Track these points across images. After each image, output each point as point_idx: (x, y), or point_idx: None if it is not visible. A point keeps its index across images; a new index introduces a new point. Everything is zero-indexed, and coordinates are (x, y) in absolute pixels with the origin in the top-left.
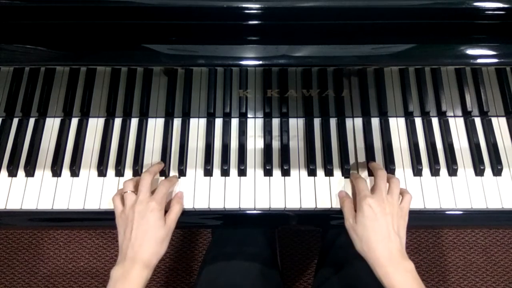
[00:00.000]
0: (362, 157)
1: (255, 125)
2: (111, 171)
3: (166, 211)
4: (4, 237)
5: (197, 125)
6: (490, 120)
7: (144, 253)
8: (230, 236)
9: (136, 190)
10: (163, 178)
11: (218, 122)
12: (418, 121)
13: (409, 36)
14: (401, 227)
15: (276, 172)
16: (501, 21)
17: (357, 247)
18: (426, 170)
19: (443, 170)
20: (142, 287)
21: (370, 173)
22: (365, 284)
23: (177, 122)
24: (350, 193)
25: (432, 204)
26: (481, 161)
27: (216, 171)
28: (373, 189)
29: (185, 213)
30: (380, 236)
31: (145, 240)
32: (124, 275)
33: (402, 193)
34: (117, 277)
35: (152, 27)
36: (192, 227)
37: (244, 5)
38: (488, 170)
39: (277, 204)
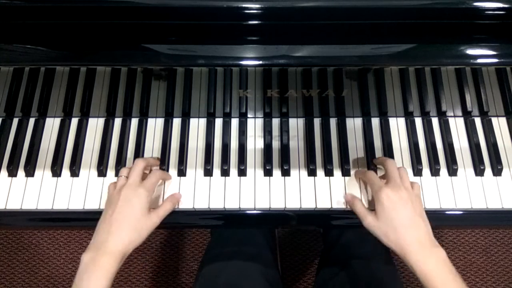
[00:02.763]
0: (362, 157)
1: (255, 125)
2: (111, 171)
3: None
4: (4, 237)
5: (197, 125)
6: (490, 120)
7: (118, 239)
8: (229, 236)
9: None
10: None
11: (218, 122)
12: (418, 121)
13: (409, 36)
14: (422, 210)
15: (276, 172)
16: (501, 21)
17: (384, 241)
18: (426, 170)
19: (443, 170)
20: (112, 275)
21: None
22: (367, 285)
23: (177, 122)
24: (350, 193)
25: (432, 204)
26: (481, 161)
27: (216, 171)
28: (385, 179)
29: (185, 213)
30: (405, 223)
31: (123, 224)
32: (94, 261)
33: (411, 183)
34: (87, 262)
35: (152, 27)
36: (192, 227)
37: (244, 5)
38: (488, 170)
39: (277, 204)
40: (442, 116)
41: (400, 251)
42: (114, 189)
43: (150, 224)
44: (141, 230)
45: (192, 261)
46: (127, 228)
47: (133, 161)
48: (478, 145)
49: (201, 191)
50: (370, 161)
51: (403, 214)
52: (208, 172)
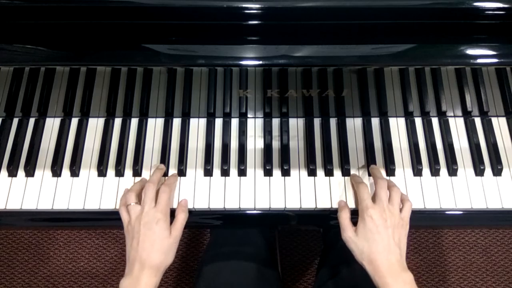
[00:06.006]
0: (362, 157)
1: (255, 125)
2: (111, 171)
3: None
4: (4, 237)
5: (197, 125)
6: (490, 120)
7: (152, 261)
8: (228, 236)
9: (138, 199)
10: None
11: (218, 122)
12: (418, 121)
13: (409, 36)
14: (402, 237)
15: (276, 172)
16: (501, 21)
17: (357, 257)
18: (426, 170)
19: (443, 170)
20: None
21: (370, 174)
22: (367, 285)
23: (177, 122)
24: (350, 194)
25: (432, 204)
26: (481, 161)
27: (216, 171)
28: (374, 198)
29: None
30: (380, 248)
31: (152, 251)
32: (134, 283)
33: (403, 200)
34: (126, 287)
35: (152, 27)
36: (192, 227)
37: (244, 5)
38: (488, 170)
39: (277, 204)
40: (442, 116)
41: (370, 271)
42: (127, 215)
43: (173, 241)
44: (168, 250)
45: (192, 261)
46: (155, 253)
47: (133, 161)
48: (478, 145)
49: (201, 191)
50: (369, 162)
51: (381, 239)
52: (208, 172)
